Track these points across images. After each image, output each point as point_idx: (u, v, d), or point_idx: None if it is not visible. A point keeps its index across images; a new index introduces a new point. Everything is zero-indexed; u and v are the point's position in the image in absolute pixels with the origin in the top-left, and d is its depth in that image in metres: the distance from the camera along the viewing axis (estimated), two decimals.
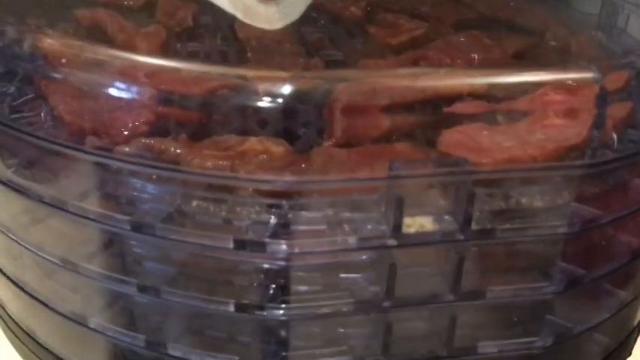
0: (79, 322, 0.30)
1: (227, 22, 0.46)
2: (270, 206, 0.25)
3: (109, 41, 0.44)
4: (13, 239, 0.30)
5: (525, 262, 0.33)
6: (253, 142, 0.30)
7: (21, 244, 0.30)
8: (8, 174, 0.29)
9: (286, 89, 0.25)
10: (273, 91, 0.25)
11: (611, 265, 0.35)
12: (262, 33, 0.43)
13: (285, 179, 0.25)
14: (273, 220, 0.25)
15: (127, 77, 0.26)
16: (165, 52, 0.42)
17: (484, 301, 0.31)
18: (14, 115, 0.29)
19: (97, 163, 0.26)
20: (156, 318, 0.30)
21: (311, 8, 0.44)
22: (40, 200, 0.28)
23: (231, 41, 0.44)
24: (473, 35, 0.44)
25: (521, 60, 0.42)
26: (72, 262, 0.28)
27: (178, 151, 0.29)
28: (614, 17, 0.48)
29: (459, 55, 0.42)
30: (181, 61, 0.29)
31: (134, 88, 0.26)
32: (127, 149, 0.28)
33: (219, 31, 0.46)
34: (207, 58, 0.42)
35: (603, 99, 0.26)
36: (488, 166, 0.28)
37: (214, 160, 0.26)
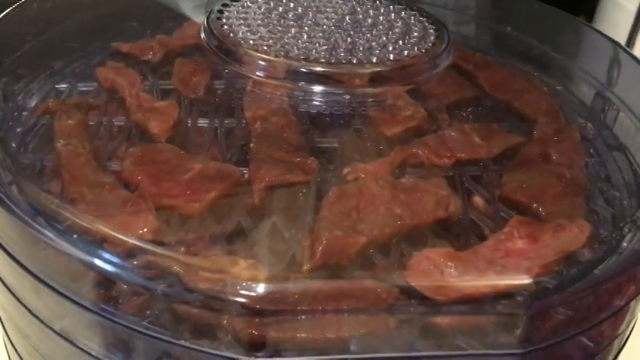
0: None
1: (238, 90, 0.50)
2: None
3: (125, 108, 0.47)
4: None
5: None
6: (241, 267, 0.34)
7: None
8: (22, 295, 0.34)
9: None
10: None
11: None
12: (267, 113, 0.47)
13: None
14: None
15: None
16: (175, 131, 0.45)
17: None
18: None
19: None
20: None
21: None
22: (51, 329, 0.32)
23: (239, 119, 0.47)
24: (464, 131, 0.47)
25: (504, 159, 0.45)
26: None
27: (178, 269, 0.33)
28: (604, 113, 0.50)
29: (447, 153, 0.45)
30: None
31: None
32: (135, 262, 0.33)
33: (229, 100, 0.49)
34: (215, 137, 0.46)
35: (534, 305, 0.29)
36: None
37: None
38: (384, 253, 0.38)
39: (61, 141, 0.42)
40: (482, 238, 0.39)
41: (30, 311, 0.34)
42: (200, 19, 0.60)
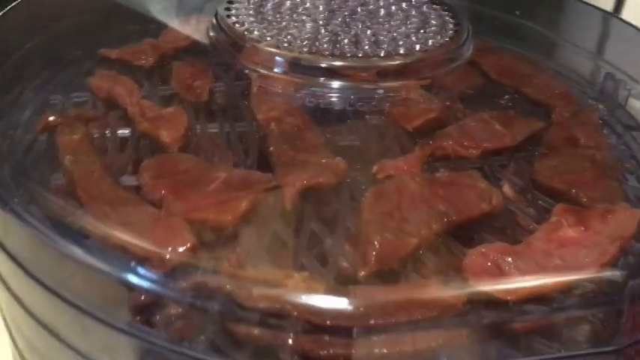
0: None
1: (241, 93, 0.47)
2: None
3: (127, 118, 0.44)
4: None
5: None
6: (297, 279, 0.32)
7: None
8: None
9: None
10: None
11: None
12: (280, 114, 0.44)
13: None
14: None
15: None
16: (188, 139, 0.43)
17: None
18: None
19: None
20: None
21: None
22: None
23: (249, 121, 0.45)
24: (484, 120, 0.45)
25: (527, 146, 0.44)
26: None
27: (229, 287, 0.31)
28: (615, 93, 0.50)
29: (472, 144, 0.43)
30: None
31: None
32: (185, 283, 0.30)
33: (236, 102, 0.47)
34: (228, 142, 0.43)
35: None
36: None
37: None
38: (433, 253, 0.36)
39: (68, 157, 0.39)
40: (524, 229, 0.38)
41: (74, 349, 0.31)
42: (172, 22, 0.57)
